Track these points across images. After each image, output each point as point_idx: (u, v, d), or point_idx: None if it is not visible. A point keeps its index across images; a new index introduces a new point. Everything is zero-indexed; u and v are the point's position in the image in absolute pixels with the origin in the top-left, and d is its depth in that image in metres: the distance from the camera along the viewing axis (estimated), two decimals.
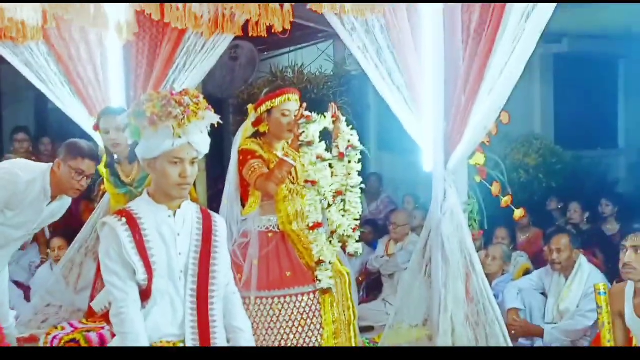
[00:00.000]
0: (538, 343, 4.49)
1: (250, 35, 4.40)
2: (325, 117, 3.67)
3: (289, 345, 3.53)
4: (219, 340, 2.66)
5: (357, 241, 3.75)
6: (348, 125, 3.79)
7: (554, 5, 3.20)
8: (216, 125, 2.64)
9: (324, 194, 3.61)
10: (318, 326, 3.54)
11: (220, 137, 2.61)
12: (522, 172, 7.47)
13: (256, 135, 3.77)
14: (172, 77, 4.42)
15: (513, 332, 4.20)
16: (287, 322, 3.52)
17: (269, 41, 7.06)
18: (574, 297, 4.41)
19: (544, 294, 4.71)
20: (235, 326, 2.72)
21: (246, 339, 2.71)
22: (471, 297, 3.70)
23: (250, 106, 3.79)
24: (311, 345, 3.55)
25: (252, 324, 3.49)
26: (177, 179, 2.55)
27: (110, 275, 2.53)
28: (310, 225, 3.59)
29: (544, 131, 8.46)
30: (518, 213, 3.89)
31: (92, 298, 4.77)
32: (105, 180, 4.31)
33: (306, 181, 3.59)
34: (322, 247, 3.57)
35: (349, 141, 3.74)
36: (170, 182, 2.56)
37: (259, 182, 3.56)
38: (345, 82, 7.51)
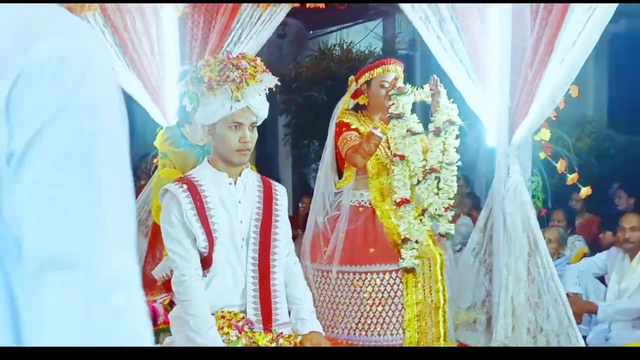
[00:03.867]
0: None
1: (307, 6, 4.34)
2: (422, 89, 3.49)
3: (368, 322, 3.43)
4: (280, 310, 2.61)
5: (449, 221, 3.54)
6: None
7: None
8: (274, 89, 2.57)
9: (414, 170, 3.44)
10: (400, 306, 3.41)
11: (268, 117, 2.52)
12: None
13: (357, 108, 3.68)
14: (227, 49, 4.35)
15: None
16: (367, 300, 3.41)
17: (317, 19, 6.96)
18: (637, 277, 4.26)
19: (599, 278, 4.56)
20: (296, 297, 2.66)
21: (307, 310, 2.64)
22: (532, 277, 3.59)
23: (350, 78, 3.69)
24: (391, 325, 3.41)
25: (335, 297, 3.48)
26: (237, 144, 2.49)
27: (172, 243, 2.49)
28: (397, 200, 3.43)
29: (596, 114, 8.19)
30: (584, 191, 3.78)
31: (143, 272, 4.77)
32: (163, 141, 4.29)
33: (394, 155, 3.44)
34: (410, 224, 3.42)
35: (447, 115, 3.49)
36: (231, 148, 2.50)
37: (348, 154, 3.48)
38: None
